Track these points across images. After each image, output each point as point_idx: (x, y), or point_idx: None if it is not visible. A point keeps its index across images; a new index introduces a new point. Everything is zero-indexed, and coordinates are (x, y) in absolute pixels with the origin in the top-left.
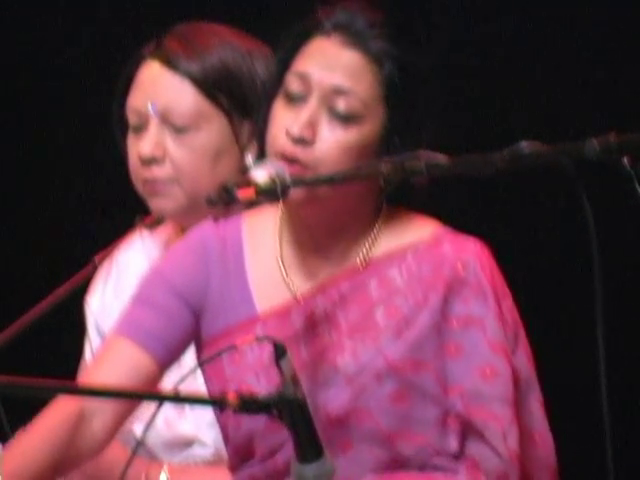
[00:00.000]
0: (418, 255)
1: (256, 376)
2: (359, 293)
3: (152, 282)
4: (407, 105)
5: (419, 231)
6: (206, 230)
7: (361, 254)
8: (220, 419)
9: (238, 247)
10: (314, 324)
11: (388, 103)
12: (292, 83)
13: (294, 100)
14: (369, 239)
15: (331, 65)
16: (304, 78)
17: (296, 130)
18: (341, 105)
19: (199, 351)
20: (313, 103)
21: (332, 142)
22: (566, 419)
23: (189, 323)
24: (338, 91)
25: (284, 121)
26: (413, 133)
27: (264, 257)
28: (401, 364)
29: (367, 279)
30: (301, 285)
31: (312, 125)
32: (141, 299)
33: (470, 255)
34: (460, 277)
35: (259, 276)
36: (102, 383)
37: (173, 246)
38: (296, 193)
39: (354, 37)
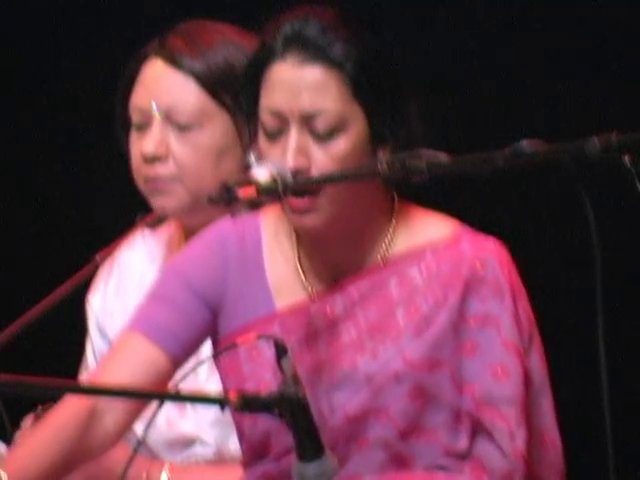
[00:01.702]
0: (437, 254)
1: (274, 373)
2: (379, 292)
3: (169, 278)
4: (381, 97)
5: (438, 230)
6: (225, 227)
7: (379, 254)
8: (235, 417)
9: (257, 245)
10: (333, 323)
11: (362, 102)
12: (268, 122)
13: (275, 135)
14: (386, 239)
15: (295, 91)
16: (276, 114)
17: (290, 163)
18: (319, 126)
19: (216, 349)
20: (294, 132)
21: (326, 160)
22: (568, 422)
23: (205, 320)
24: (311, 114)
25: (275, 158)
26: (400, 119)
27: (283, 256)
28: (419, 363)
29: (387, 278)
30: (319, 286)
31: (302, 152)
32: (157, 295)
33: (489, 254)
34: (479, 275)
35: (278, 274)
36: (115, 379)
37: (190, 243)
38: (314, 223)
39: (308, 51)
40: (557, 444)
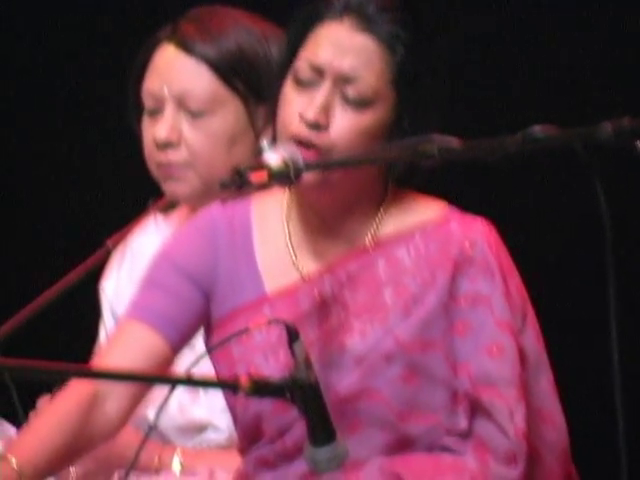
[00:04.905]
0: (426, 235)
1: (264, 357)
2: (367, 273)
3: (161, 265)
4: (417, 90)
5: (427, 211)
6: (214, 212)
7: (369, 234)
8: (229, 401)
9: (247, 228)
10: (322, 305)
11: (398, 87)
12: (303, 71)
13: (305, 84)
14: (376, 219)
15: (342, 51)
16: (315, 68)
17: (311, 115)
18: (351, 91)
19: (208, 334)
20: (326, 88)
21: (345, 126)
22: (577, 402)
23: (200, 304)
24: (348, 78)
25: (296, 105)
26: (423, 117)
27: (273, 238)
28: (410, 344)
29: (375, 259)
30: (309, 266)
31: (326, 110)
32: (151, 282)
33: (477, 234)
34: (467, 256)
35: (268, 257)
36: (116, 367)
37: (181, 228)
38: (308, 177)
39: (365, 21)
40: (558, 422)
